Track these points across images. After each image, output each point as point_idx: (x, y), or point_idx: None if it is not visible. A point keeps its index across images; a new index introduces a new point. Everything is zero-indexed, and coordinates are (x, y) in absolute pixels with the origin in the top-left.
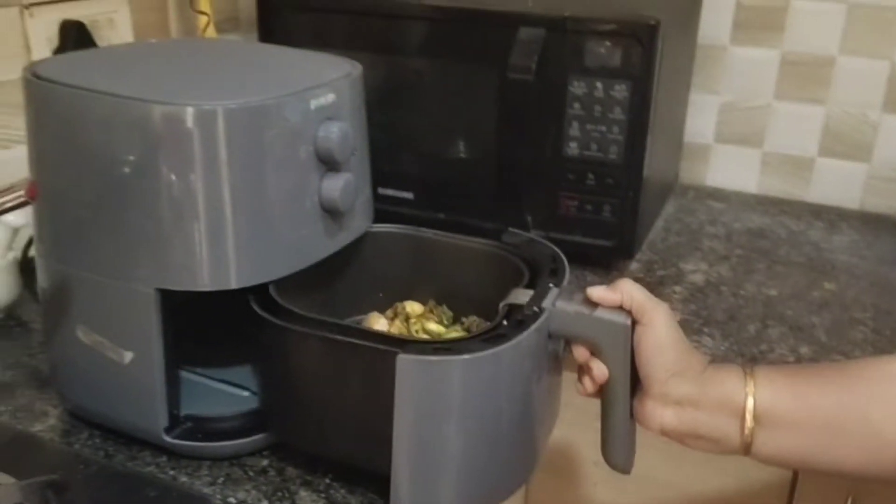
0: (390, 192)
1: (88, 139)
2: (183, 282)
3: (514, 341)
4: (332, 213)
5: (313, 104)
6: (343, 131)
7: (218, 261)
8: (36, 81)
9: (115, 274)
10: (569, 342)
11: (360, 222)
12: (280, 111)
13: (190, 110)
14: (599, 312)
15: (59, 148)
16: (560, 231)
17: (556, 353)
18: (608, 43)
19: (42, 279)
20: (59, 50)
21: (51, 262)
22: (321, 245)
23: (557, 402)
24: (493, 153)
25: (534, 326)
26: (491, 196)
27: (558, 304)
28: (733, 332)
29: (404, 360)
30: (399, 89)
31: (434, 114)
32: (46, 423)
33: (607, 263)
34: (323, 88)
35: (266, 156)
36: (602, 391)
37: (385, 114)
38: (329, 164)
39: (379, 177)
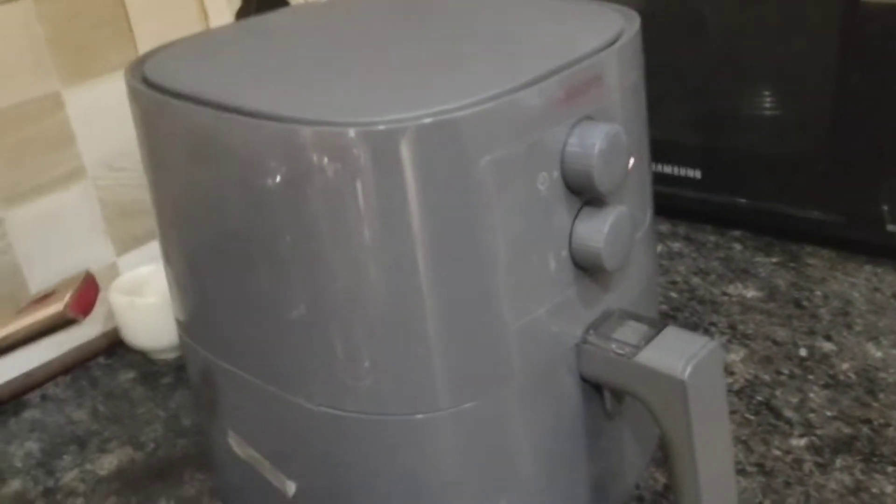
0: (668, 169)
1: (209, 174)
2: (359, 402)
3: None
4: (591, 270)
5: (558, 97)
6: (611, 139)
7: (414, 371)
8: (143, 91)
9: (264, 375)
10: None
11: (637, 273)
12: (504, 118)
13: (352, 134)
14: (647, 356)
15: (175, 184)
16: None
17: (604, 407)
18: None
19: (185, 357)
20: (242, 13)
21: (187, 340)
22: (574, 320)
23: (623, 469)
24: (829, 114)
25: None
26: (822, 175)
27: (591, 338)
28: None
29: None
30: (685, 23)
31: (737, 58)
32: None
33: None
34: (577, 69)
35: (482, 195)
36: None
37: (664, 59)
38: (586, 193)
39: (652, 148)
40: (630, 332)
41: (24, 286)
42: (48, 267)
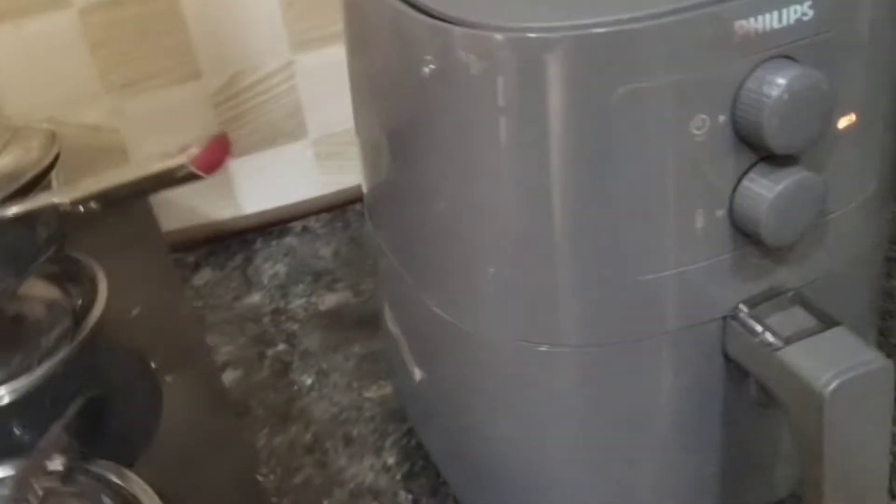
0: None
1: (382, 61)
2: (474, 317)
3: None
4: (752, 237)
5: (740, 27)
6: (802, 88)
7: (531, 307)
8: None
9: (402, 265)
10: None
11: (829, 254)
12: (670, 42)
13: (499, 39)
14: (793, 353)
15: (358, 64)
16: None
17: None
18: None
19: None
20: None
21: (364, 210)
22: (725, 289)
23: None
24: None
25: None
26: None
27: (742, 315)
28: None
29: None
30: None
31: None
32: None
33: None
34: None
35: (626, 124)
36: None
37: None
38: (759, 148)
39: None
40: (791, 320)
41: (302, 125)
42: (323, 113)
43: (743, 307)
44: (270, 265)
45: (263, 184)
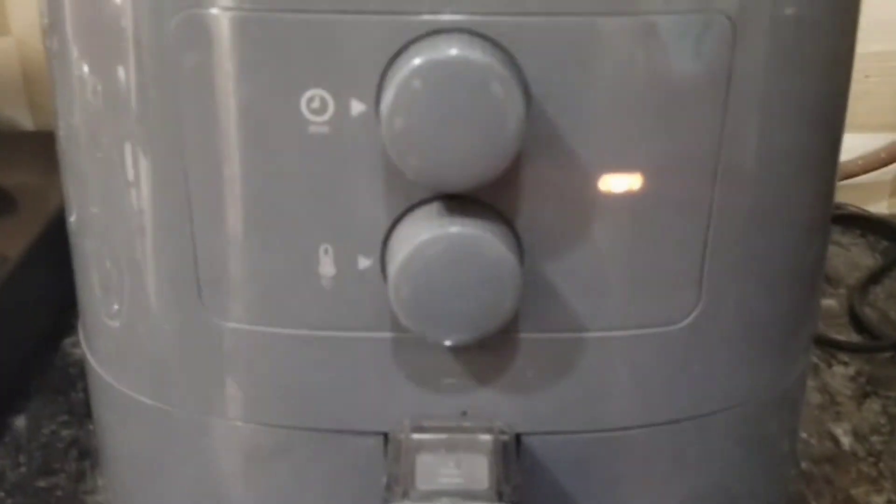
0: None
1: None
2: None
3: None
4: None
5: None
6: (453, 75)
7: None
8: None
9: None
10: None
11: (614, 405)
12: None
13: None
14: None
15: None
16: None
17: None
18: None
19: None
20: None
21: None
22: (383, 394)
23: None
24: None
25: None
26: None
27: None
28: None
29: None
30: None
31: None
32: None
33: None
34: None
35: (219, 87)
36: None
37: None
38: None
39: None
40: (452, 470)
41: None
42: None
43: (405, 426)
44: None
45: None
